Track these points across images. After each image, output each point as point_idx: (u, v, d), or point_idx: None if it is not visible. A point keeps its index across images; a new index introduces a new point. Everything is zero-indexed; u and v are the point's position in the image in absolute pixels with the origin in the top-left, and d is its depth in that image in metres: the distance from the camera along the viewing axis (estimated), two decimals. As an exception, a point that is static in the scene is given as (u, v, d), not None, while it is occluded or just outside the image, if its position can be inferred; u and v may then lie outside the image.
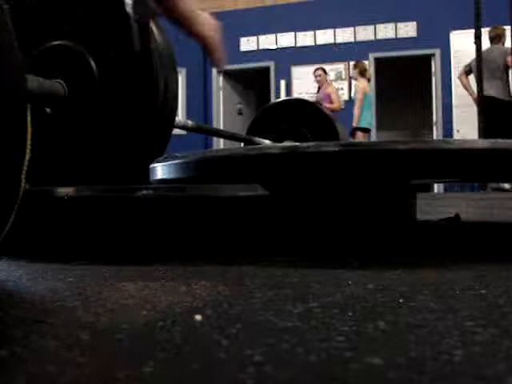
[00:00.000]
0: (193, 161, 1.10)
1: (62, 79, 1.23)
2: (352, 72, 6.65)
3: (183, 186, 1.03)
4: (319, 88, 6.86)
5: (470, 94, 5.87)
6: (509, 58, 5.62)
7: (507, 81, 5.73)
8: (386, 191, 0.98)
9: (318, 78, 6.82)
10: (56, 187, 0.99)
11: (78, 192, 0.97)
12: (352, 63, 7.00)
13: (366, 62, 8.08)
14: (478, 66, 5.26)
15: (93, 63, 1.21)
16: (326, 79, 6.87)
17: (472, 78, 5.76)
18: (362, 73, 6.44)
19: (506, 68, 5.71)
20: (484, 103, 5.28)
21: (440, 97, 7.86)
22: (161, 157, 1.25)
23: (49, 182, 1.24)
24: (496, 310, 0.41)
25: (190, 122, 2.25)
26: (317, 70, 6.92)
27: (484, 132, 5.21)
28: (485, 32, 5.53)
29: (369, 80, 6.59)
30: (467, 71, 5.86)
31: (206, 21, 1.07)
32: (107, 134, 1.24)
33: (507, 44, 5.87)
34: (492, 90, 5.63)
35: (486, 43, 5.88)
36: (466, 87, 5.87)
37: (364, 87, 6.35)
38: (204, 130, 2.71)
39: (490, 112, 5.41)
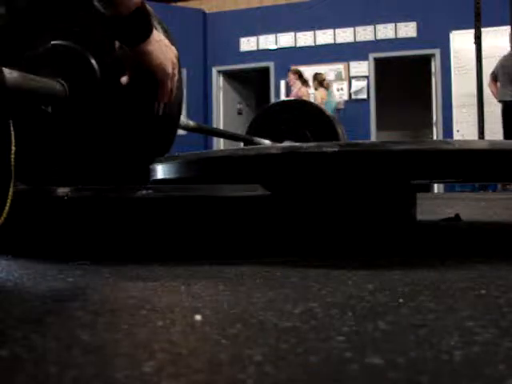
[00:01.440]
0: (192, 161, 1.10)
1: (62, 79, 1.23)
2: (312, 83, 6.82)
3: (183, 185, 1.03)
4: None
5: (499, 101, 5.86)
6: None
7: None
8: (386, 191, 0.98)
9: (292, 82, 6.85)
10: (56, 187, 0.99)
11: (78, 192, 0.96)
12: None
13: (366, 62, 8.08)
14: (478, 67, 5.27)
15: (94, 63, 1.21)
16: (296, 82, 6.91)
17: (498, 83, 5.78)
18: (321, 83, 6.69)
19: None
20: (503, 106, 5.32)
21: (440, 97, 7.86)
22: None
23: (49, 182, 1.24)
24: (496, 310, 0.41)
25: (191, 122, 2.25)
26: (292, 73, 6.94)
27: (505, 136, 5.25)
28: (485, 32, 5.52)
29: (327, 88, 6.79)
30: (494, 77, 5.83)
31: (165, 70, 1.14)
32: (110, 133, 1.23)
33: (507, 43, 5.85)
34: (508, 95, 5.62)
35: (485, 43, 5.88)
36: (495, 95, 5.85)
37: (322, 97, 6.57)
38: (205, 130, 2.71)
39: (508, 116, 5.44)
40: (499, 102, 5.82)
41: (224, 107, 8.96)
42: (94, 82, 1.22)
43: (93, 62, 1.22)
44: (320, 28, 8.34)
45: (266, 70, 8.60)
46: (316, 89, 6.73)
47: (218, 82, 8.89)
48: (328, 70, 8.11)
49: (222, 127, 8.28)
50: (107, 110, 1.22)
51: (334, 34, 8.33)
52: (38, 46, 1.27)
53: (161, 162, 1.18)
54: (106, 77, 1.21)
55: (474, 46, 5.72)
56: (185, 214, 0.93)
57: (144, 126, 1.22)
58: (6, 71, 0.95)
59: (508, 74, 5.60)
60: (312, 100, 6.61)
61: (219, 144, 8.10)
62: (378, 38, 8.15)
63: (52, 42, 1.25)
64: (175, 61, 1.17)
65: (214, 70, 8.73)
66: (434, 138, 7.88)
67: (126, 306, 0.46)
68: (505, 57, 5.70)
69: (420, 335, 0.34)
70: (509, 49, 5.76)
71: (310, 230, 0.93)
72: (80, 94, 1.22)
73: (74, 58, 1.23)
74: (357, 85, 8.21)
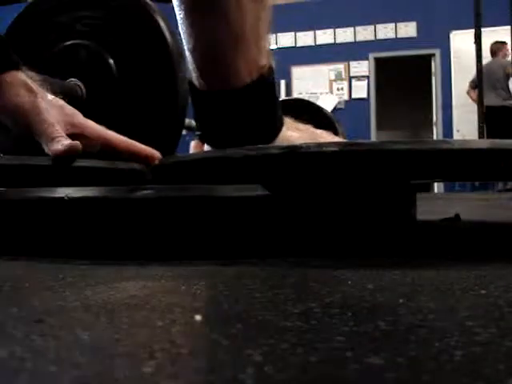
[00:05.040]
0: (192, 161, 1.10)
1: (79, 80, 1.22)
2: None
3: (183, 185, 1.03)
4: None
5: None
6: (509, 68, 5.77)
7: (508, 90, 5.86)
8: (386, 191, 0.98)
9: None
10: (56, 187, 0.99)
11: (78, 192, 0.96)
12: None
13: (366, 62, 8.07)
14: (478, 67, 5.28)
15: (112, 63, 1.20)
16: None
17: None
18: None
19: (507, 78, 5.83)
20: (485, 110, 5.39)
21: (440, 97, 7.87)
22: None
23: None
24: (496, 310, 0.41)
25: (193, 122, 2.27)
26: None
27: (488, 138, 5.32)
28: (485, 32, 5.54)
29: None
30: (473, 86, 5.96)
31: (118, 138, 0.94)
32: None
33: (508, 45, 5.91)
34: (493, 99, 5.74)
35: (485, 43, 5.90)
36: (475, 101, 5.95)
37: None
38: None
39: (493, 120, 5.52)
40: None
41: (224, 107, 8.96)
42: (111, 82, 1.21)
43: (111, 62, 1.21)
44: (320, 28, 8.34)
45: (266, 69, 8.60)
46: None
47: (217, 82, 8.89)
48: (328, 70, 8.10)
49: (221, 127, 8.28)
50: (118, 111, 1.22)
51: (334, 34, 8.33)
52: (53, 46, 1.26)
53: (160, 161, 1.18)
54: (122, 77, 1.21)
55: (473, 46, 5.73)
56: (184, 213, 0.93)
57: (151, 127, 1.23)
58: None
59: (492, 80, 5.75)
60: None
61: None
62: (378, 37, 8.15)
63: (68, 42, 1.24)
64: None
65: (214, 70, 8.73)
66: (434, 137, 7.88)
67: (126, 306, 0.46)
68: (488, 64, 5.85)
69: (420, 335, 0.34)
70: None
71: (309, 230, 0.93)
72: (97, 94, 1.22)
73: (90, 59, 1.22)
74: (357, 85, 8.21)
